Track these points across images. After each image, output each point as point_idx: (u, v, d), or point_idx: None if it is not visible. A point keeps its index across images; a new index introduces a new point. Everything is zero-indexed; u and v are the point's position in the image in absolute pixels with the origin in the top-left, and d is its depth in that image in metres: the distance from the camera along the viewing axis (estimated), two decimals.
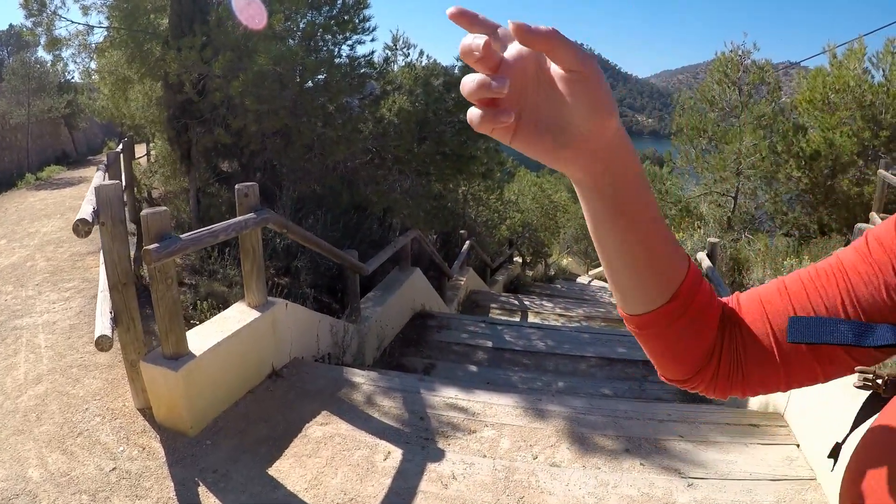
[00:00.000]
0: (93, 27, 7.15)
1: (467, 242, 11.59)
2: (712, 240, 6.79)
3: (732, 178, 9.72)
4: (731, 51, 11.15)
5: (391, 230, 8.79)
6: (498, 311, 10.68)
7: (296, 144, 6.31)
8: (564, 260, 24.12)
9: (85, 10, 6.72)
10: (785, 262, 7.69)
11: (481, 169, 7.79)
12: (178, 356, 3.16)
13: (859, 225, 7.71)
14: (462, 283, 10.61)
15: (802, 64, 10.64)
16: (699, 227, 9.32)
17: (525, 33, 0.46)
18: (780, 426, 3.64)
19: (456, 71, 8.00)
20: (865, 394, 0.66)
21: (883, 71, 10.15)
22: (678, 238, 9.09)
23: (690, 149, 10.63)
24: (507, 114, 0.50)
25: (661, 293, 0.65)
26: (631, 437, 3.47)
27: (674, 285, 0.65)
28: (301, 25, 6.38)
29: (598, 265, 30.90)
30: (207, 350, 3.27)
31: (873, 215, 7.36)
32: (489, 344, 6.74)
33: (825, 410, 3.22)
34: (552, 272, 19.71)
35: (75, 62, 8.48)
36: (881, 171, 7.43)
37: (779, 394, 3.84)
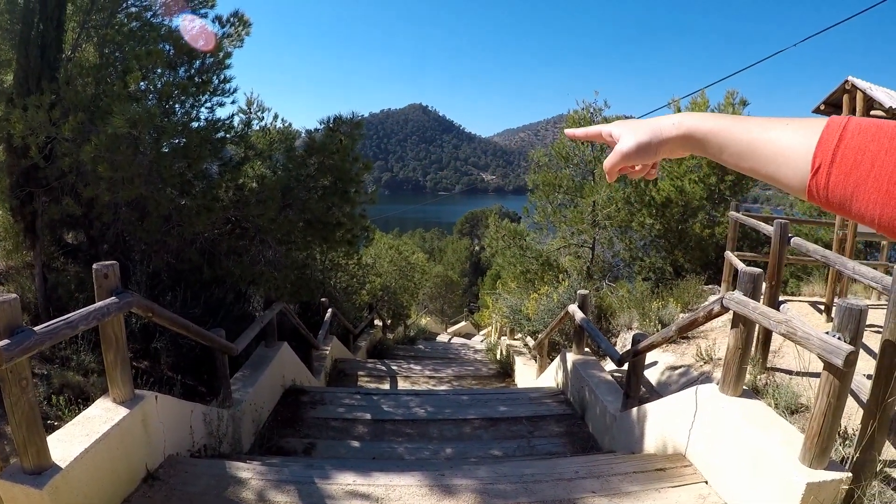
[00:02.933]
0: None
1: (329, 310, 11.27)
2: (582, 291, 7.12)
3: (589, 230, 10.41)
4: (584, 108, 12.08)
5: (250, 302, 8.32)
6: (367, 379, 10.40)
7: (153, 215, 5.80)
8: (423, 320, 24.26)
9: None
10: (652, 306, 8.18)
11: (347, 236, 7.61)
12: (41, 469, 2.67)
13: (728, 253, 8.22)
14: (328, 352, 10.25)
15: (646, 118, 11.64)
16: (563, 280, 9.74)
17: (607, 136, 0.99)
18: (685, 466, 3.78)
19: (318, 135, 7.86)
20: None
21: None
22: (544, 291, 9.44)
23: (547, 204, 11.27)
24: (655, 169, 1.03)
25: (795, 174, 0.74)
26: (545, 502, 3.42)
27: (803, 165, 0.72)
28: (158, 85, 5.97)
29: (457, 322, 31.48)
30: (74, 459, 2.80)
31: (728, 254, 7.91)
32: (368, 416, 6.49)
33: (727, 443, 3.38)
34: (412, 333, 19.71)
35: None
36: (732, 213, 8.06)
37: (677, 434, 4.02)
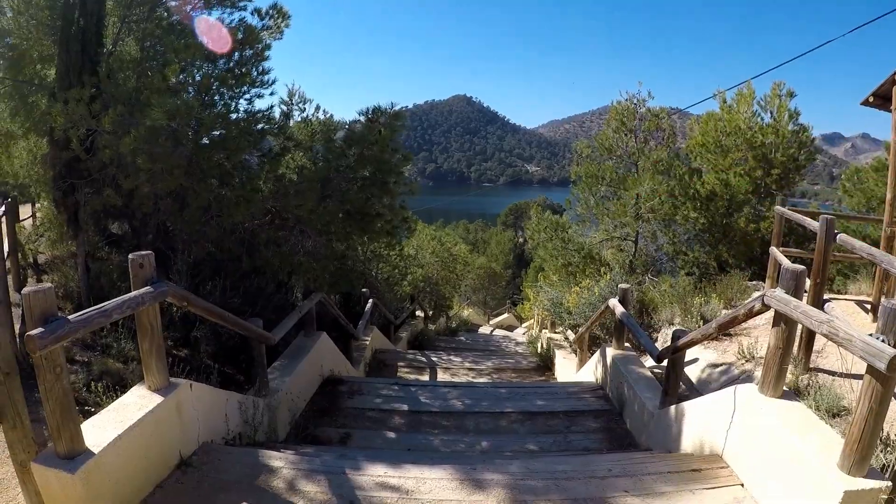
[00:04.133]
0: None
1: (370, 301, 11.33)
2: (623, 286, 6.95)
3: (632, 222, 10.18)
4: (627, 99, 11.85)
5: (291, 292, 8.40)
6: (406, 370, 10.43)
7: (192, 206, 5.90)
8: (465, 311, 24.24)
9: None
10: (694, 301, 7.97)
11: (386, 227, 7.61)
12: (75, 455, 2.72)
13: (773, 249, 7.93)
14: (367, 342, 10.31)
15: (691, 109, 11.38)
16: (605, 273, 9.58)
17: None
18: (722, 467, 3.65)
19: (358, 126, 7.87)
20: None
21: (771, 113, 11.07)
22: (586, 284, 9.30)
23: (590, 196, 11.08)
24: None
25: None
26: (577, 500, 3.33)
27: None
28: (197, 78, 6.05)
29: (499, 314, 31.36)
30: (108, 445, 2.85)
31: (773, 250, 7.64)
32: (405, 407, 6.48)
33: (764, 446, 3.24)
34: (454, 324, 19.71)
35: None
36: (778, 208, 7.76)
37: (716, 435, 3.88)
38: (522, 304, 43.14)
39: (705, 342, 7.26)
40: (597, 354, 7.70)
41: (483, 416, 6.35)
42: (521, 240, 65.11)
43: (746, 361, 6.31)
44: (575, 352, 9.62)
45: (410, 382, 7.62)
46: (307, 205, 6.64)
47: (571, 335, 9.40)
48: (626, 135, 11.39)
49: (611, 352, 7.03)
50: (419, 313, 16.66)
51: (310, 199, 6.64)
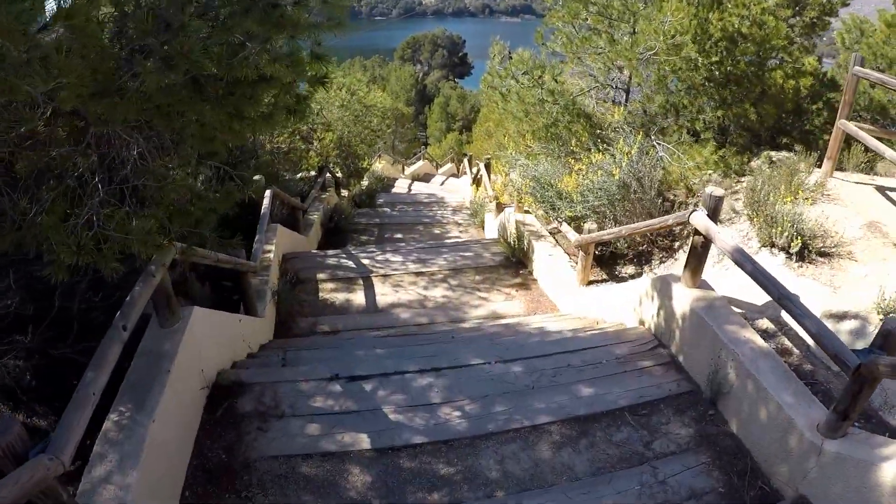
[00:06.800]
0: None
1: (267, 193, 7.97)
2: (716, 192, 4.07)
3: (634, 66, 6.98)
4: None
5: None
6: (331, 287, 7.50)
7: None
8: (378, 164, 20.90)
9: None
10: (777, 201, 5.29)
11: (288, 100, 3.96)
12: None
13: (846, 123, 5.62)
14: (270, 257, 7.16)
15: None
16: (619, 141, 6.49)
17: None
18: None
19: None
20: None
21: None
22: (597, 160, 6.30)
23: (571, 29, 7.63)
24: None
25: None
26: None
27: None
28: None
29: (412, 163, 27.98)
30: None
31: (846, 124, 5.49)
32: (364, 442, 3.61)
33: None
34: (368, 182, 16.33)
35: None
36: (857, 69, 5.55)
37: None
38: (430, 144, 39.80)
39: (802, 264, 4.75)
40: (644, 283, 5.00)
41: (506, 445, 3.61)
42: (420, 75, 60.54)
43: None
44: (572, 255, 6.90)
45: (359, 375, 4.44)
46: (99, 78, 2.91)
47: (570, 231, 6.57)
48: None
49: (683, 291, 4.34)
50: (330, 188, 13.20)
51: (101, 64, 2.91)
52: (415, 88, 50.28)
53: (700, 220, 4.08)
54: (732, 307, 4.20)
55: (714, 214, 4.10)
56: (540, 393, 4.01)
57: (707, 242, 4.15)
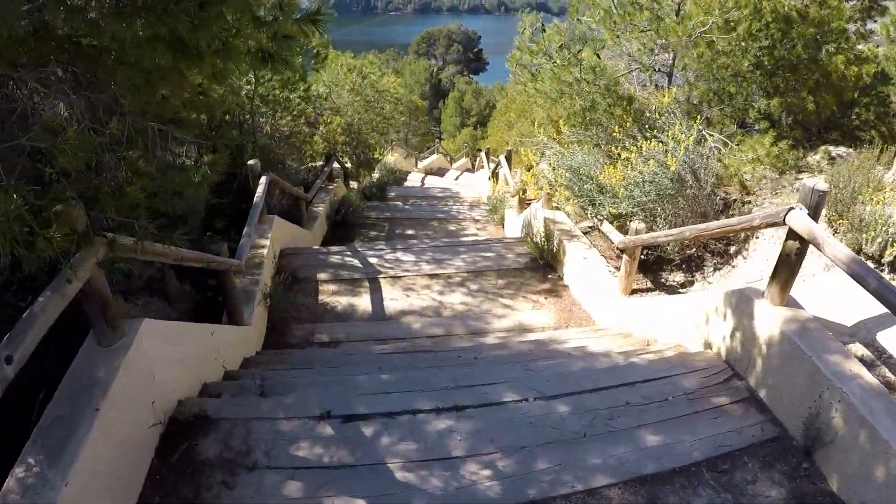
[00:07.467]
0: None
1: (262, 180, 7.05)
2: (818, 185, 3.11)
3: (683, 47, 5.95)
4: None
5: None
6: (332, 289, 6.60)
7: None
8: (391, 156, 19.97)
9: None
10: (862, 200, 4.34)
11: (268, 45, 2.90)
12: None
13: None
14: (263, 253, 6.25)
15: None
16: (671, 129, 5.49)
17: None
18: None
19: None
20: None
21: None
22: (648, 148, 5.30)
23: (611, 4, 6.59)
24: None
25: None
26: None
27: None
28: None
29: (426, 156, 27.08)
30: None
31: None
32: None
33: None
34: (380, 175, 15.39)
35: None
36: None
37: None
38: (444, 139, 39.00)
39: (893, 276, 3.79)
40: (714, 297, 4.03)
41: None
42: (435, 69, 59.76)
43: None
44: (609, 258, 5.94)
45: (358, 414, 3.42)
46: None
47: (613, 232, 5.60)
48: None
49: (770, 310, 3.38)
50: (337, 178, 12.26)
51: None
52: (429, 83, 49.56)
53: (800, 220, 3.12)
54: (826, 330, 3.25)
55: (816, 213, 3.15)
56: (594, 443, 3.07)
57: (803, 249, 3.21)
